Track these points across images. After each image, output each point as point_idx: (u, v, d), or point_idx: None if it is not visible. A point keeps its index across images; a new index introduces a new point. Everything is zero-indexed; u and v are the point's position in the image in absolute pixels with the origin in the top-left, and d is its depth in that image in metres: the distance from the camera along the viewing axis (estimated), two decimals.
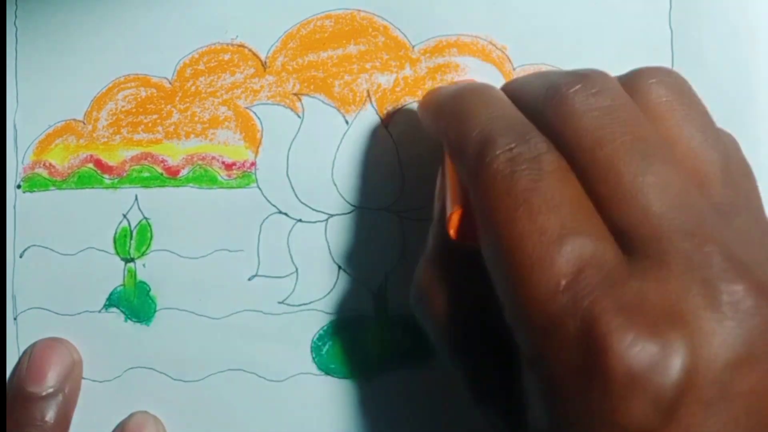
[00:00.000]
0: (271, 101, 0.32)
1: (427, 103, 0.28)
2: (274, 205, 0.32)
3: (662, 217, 0.21)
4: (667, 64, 0.31)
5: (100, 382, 0.32)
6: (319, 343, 0.32)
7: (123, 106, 0.32)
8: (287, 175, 0.32)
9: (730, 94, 0.31)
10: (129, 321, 0.32)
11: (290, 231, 0.32)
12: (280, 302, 0.32)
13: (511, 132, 0.23)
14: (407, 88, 0.31)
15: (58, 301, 0.32)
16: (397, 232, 0.32)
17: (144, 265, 0.32)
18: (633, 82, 0.25)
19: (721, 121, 0.27)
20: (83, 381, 0.32)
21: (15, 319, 0.32)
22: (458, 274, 0.26)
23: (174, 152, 0.32)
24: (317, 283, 0.32)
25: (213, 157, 0.32)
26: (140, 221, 0.32)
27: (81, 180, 0.32)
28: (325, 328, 0.32)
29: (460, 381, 0.26)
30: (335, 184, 0.32)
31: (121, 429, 0.32)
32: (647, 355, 0.19)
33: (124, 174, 0.32)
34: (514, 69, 0.31)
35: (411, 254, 0.32)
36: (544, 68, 0.31)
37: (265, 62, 0.31)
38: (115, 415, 0.32)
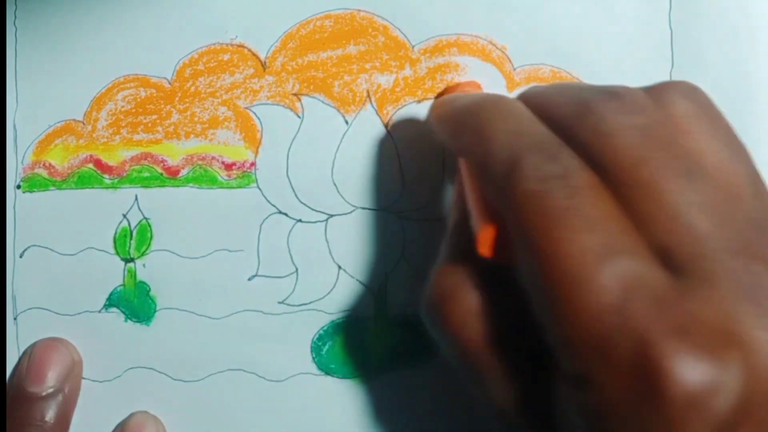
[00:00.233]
0: (271, 101, 0.32)
1: (441, 115, 0.28)
2: (274, 205, 0.32)
3: (707, 236, 0.21)
4: (667, 64, 0.31)
5: (100, 382, 0.32)
6: (319, 343, 0.32)
7: (123, 107, 0.32)
8: (287, 175, 0.32)
9: (730, 94, 0.31)
10: (129, 321, 0.32)
11: (290, 231, 0.32)
12: (280, 302, 0.32)
13: (539, 149, 0.23)
14: (407, 88, 0.31)
15: (58, 301, 0.32)
16: (397, 232, 0.32)
17: (144, 265, 0.32)
18: (656, 96, 0.24)
19: None
20: (83, 381, 0.32)
21: (15, 319, 0.32)
22: (480, 288, 0.25)
23: (174, 152, 0.32)
24: (317, 283, 0.32)
25: (213, 157, 0.32)
26: (140, 221, 0.32)
27: (81, 180, 0.32)
28: (325, 328, 0.32)
29: (476, 396, 0.26)
30: (335, 184, 0.32)
31: (121, 429, 0.32)
32: (704, 378, 0.19)
33: (124, 174, 0.32)
34: (514, 69, 0.31)
35: (411, 254, 0.32)
36: (544, 69, 0.31)
37: (265, 62, 0.31)
38: (115, 415, 0.32)
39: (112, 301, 0.32)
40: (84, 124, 0.32)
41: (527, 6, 0.31)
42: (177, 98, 0.32)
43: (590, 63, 0.31)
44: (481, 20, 0.31)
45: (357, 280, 0.32)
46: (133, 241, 0.32)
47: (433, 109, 0.29)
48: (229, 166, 0.32)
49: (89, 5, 0.31)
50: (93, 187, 0.32)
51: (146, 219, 0.32)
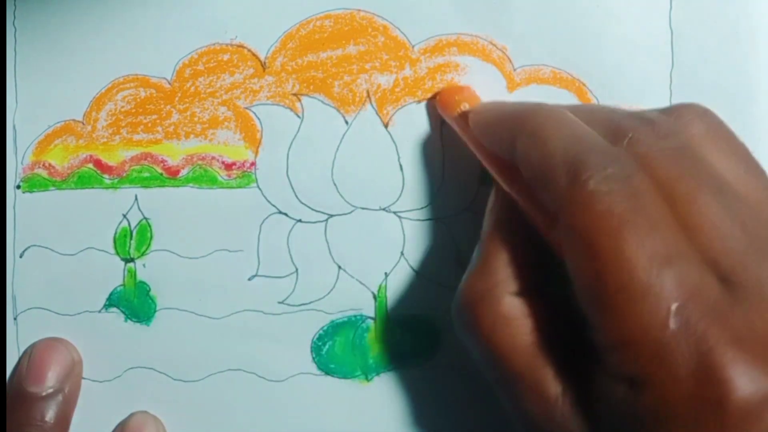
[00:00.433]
0: (271, 101, 0.32)
1: (485, 120, 0.28)
2: (274, 205, 0.32)
3: (748, 249, 0.22)
4: (667, 64, 0.31)
5: (100, 382, 0.32)
6: (319, 343, 0.32)
7: (122, 107, 0.32)
8: (287, 175, 0.32)
9: (730, 94, 0.31)
10: (129, 321, 0.32)
11: (290, 231, 0.32)
12: (280, 302, 0.32)
13: (599, 152, 0.23)
14: (407, 88, 0.31)
15: (58, 301, 0.32)
16: (397, 232, 0.32)
17: (144, 265, 0.32)
18: (674, 119, 0.26)
19: None
20: (83, 381, 0.32)
21: (15, 319, 0.32)
22: (512, 293, 0.26)
23: (174, 152, 0.32)
24: (317, 283, 0.32)
25: (213, 157, 0.32)
26: (140, 221, 0.32)
27: (81, 180, 0.32)
28: (325, 328, 0.32)
29: (503, 400, 0.26)
30: (335, 184, 0.32)
31: (121, 429, 0.32)
32: (762, 388, 0.20)
33: (124, 174, 0.32)
34: (514, 69, 0.31)
35: (411, 254, 0.32)
36: (545, 69, 0.31)
37: (265, 62, 0.31)
38: (115, 415, 0.32)
39: (112, 301, 0.32)
40: (84, 124, 0.32)
41: (527, 6, 0.31)
42: (177, 98, 0.32)
43: (591, 63, 0.31)
44: (482, 20, 0.31)
45: (357, 280, 0.32)
46: (133, 241, 0.32)
47: (474, 116, 0.29)
48: (229, 166, 0.32)
49: (89, 5, 0.31)
50: (93, 187, 0.32)
51: (146, 219, 0.32)
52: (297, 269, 0.32)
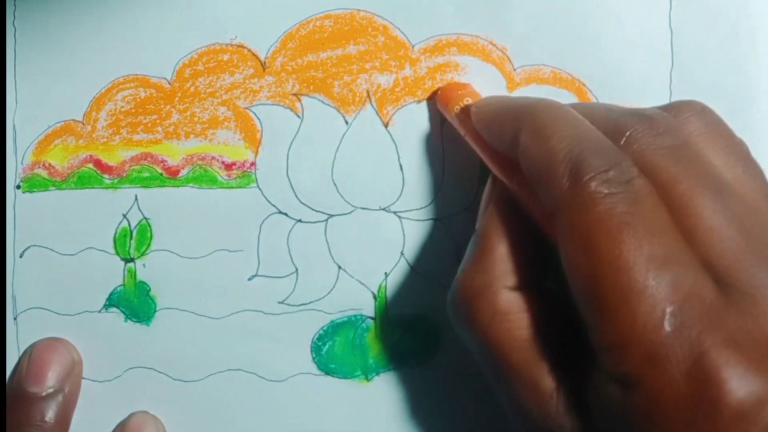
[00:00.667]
0: (271, 101, 0.32)
1: (488, 115, 0.28)
2: (274, 205, 0.32)
3: (742, 249, 0.22)
4: (666, 64, 0.31)
5: (100, 382, 0.32)
6: (319, 343, 0.32)
7: (122, 107, 0.32)
8: (287, 175, 0.32)
9: (730, 94, 0.31)
10: (129, 321, 0.32)
11: (290, 231, 0.32)
12: (280, 302, 0.32)
13: (602, 154, 0.23)
14: (407, 88, 0.31)
15: (58, 301, 0.32)
16: (397, 232, 0.32)
17: (144, 265, 0.32)
18: (673, 115, 0.26)
19: None
20: (83, 381, 0.32)
21: (15, 319, 0.32)
22: (509, 288, 0.26)
23: (174, 152, 0.32)
24: (317, 283, 0.32)
25: (213, 157, 0.32)
26: (140, 221, 0.32)
27: (81, 180, 0.32)
28: (325, 328, 0.32)
29: (499, 395, 0.26)
30: (335, 184, 0.32)
31: (121, 429, 0.32)
32: (756, 390, 0.20)
33: (124, 174, 0.32)
34: (514, 69, 0.31)
35: (411, 254, 0.32)
36: (545, 69, 0.31)
37: (265, 62, 0.31)
38: (115, 415, 0.32)
39: (112, 301, 0.32)
40: (84, 124, 0.32)
41: (527, 6, 0.31)
42: (177, 98, 0.32)
43: (591, 63, 0.31)
44: (482, 20, 0.31)
45: (357, 280, 0.32)
46: (133, 241, 0.32)
47: (477, 110, 0.29)
48: (229, 166, 0.32)
49: (89, 5, 0.31)
50: (93, 187, 0.32)
51: (146, 219, 0.32)
52: (297, 269, 0.32)
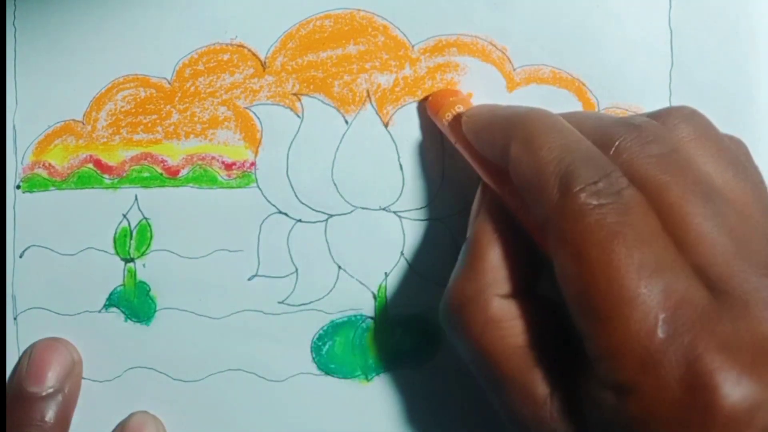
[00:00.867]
0: (271, 101, 0.32)
1: (478, 124, 0.28)
2: (274, 205, 0.32)
3: (733, 255, 0.22)
4: (666, 64, 0.31)
5: (100, 382, 0.32)
6: (319, 343, 0.32)
7: (122, 107, 0.32)
8: (287, 175, 0.32)
9: (730, 94, 0.31)
10: (129, 321, 0.32)
11: (290, 231, 0.32)
12: (280, 302, 0.32)
13: (592, 165, 0.24)
14: (407, 88, 0.31)
15: (58, 301, 0.32)
16: (397, 232, 0.32)
17: (144, 265, 0.32)
18: (661, 122, 0.26)
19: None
20: (83, 381, 0.32)
21: (15, 319, 0.32)
22: (501, 295, 0.26)
23: (174, 152, 0.32)
24: (317, 283, 0.32)
25: (213, 157, 0.32)
26: (140, 221, 0.32)
27: (81, 180, 0.32)
28: (325, 328, 0.32)
29: (493, 402, 0.26)
30: (335, 184, 0.32)
31: (121, 429, 0.32)
32: (749, 395, 0.20)
33: (124, 174, 0.32)
34: (514, 69, 0.31)
35: (411, 254, 0.32)
36: (544, 69, 0.31)
37: (265, 62, 0.31)
38: (115, 415, 0.32)
39: (112, 301, 0.32)
40: (84, 124, 0.32)
41: (527, 6, 0.31)
42: (177, 98, 0.32)
43: (590, 63, 0.31)
44: (481, 20, 0.31)
45: (357, 280, 0.32)
46: (133, 241, 0.32)
47: (468, 119, 0.29)
48: (229, 166, 0.32)
49: (89, 5, 0.31)
50: (93, 187, 0.32)
51: (146, 219, 0.32)
52: (297, 269, 0.32)
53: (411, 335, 0.32)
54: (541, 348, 0.25)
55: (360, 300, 0.32)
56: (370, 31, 0.31)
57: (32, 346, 0.32)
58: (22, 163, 0.32)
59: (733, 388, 0.21)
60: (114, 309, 0.32)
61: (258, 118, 0.32)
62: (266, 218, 0.32)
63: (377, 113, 0.31)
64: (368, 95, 0.31)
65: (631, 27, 0.31)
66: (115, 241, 0.32)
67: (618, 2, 0.31)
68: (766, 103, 0.31)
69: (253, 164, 0.32)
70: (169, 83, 0.32)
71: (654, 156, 0.24)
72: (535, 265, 0.27)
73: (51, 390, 0.31)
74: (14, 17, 0.31)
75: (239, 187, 0.32)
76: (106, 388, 0.32)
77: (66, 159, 0.32)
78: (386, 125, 0.31)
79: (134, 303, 0.32)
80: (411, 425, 0.32)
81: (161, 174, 0.32)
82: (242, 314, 0.32)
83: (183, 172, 0.32)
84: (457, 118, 0.29)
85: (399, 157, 0.32)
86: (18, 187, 0.32)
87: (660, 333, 0.21)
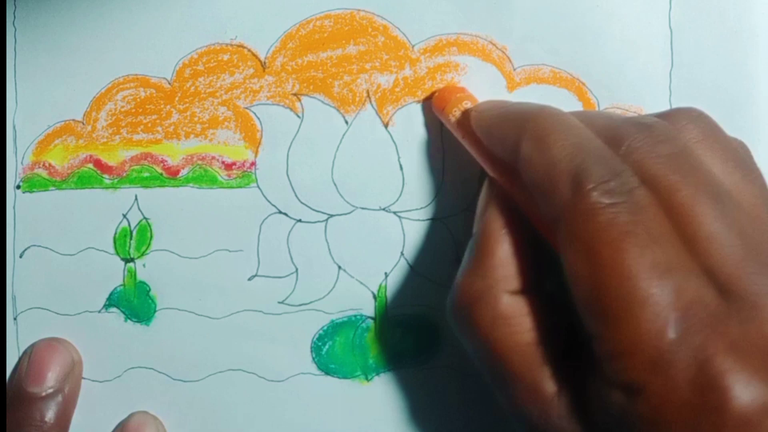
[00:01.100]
0: (271, 101, 0.32)
1: (487, 121, 0.28)
2: (274, 205, 0.32)
3: (743, 257, 0.22)
4: (666, 64, 0.31)
5: (100, 382, 0.32)
6: (319, 343, 0.32)
7: (122, 107, 0.32)
8: (287, 175, 0.32)
9: (730, 94, 0.31)
10: (129, 321, 0.32)
11: (290, 231, 0.32)
12: (280, 302, 0.32)
13: (604, 164, 0.24)
14: (407, 88, 0.31)
15: (58, 301, 0.32)
16: (397, 232, 0.32)
17: (144, 265, 0.32)
18: (670, 123, 0.26)
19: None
20: (83, 381, 0.32)
21: (15, 319, 0.32)
22: (509, 292, 0.26)
23: (174, 152, 0.32)
24: (317, 283, 0.32)
25: (213, 157, 0.32)
26: (140, 221, 0.32)
27: (81, 180, 0.32)
28: (325, 328, 0.32)
29: (500, 399, 0.26)
30: (335, 184, 0.32)
31: (121, 429, 0.32)
32: (760, 396, 0.20)
33: (124, 174, 0.32)
34: (514, 69, 0.31)
35: (411, 254, 0.32)
36: (544, 69, 0.31)
37: (265, 62, 0.31)
38: (115, 415, 0.32)
39: (112, 301, 0.32)
40: (84, 124, 0.32)
41: (527, 6, 0.31)
42: (177, 98, 0.32)
43: (590, 63, 0.31)
44: (481, 20, 0.31)
45: (357, 280, 0.32)
46: (133, 241, 0.32)
47: (477, 116, 0.29)
48: (229, 166, 0.32)
49: (89, 5, 0.31)
50: (93, 187, 0.32)
51: (146, 219, 0.32)
52: (297, 269, 0.32)
53: (411, 335, 0.32)
54: (550, 345, 0.25)
55: (360, 300, 0.32)
56: (370, 31, 0.31)
57: (32, 346, 0.32)
58: (22, 163, 0.32)
59: (744, 390, 0.20)
60: (114, 309, 0.32)
61: (258, 118, 0.32)
62: (266, 218, 0.32)
63: (377, 113, 0.31)
64: (368, 95, 0.31)
65: (631, 27, 0.31)
66: (115, 241, 0.32)
67: (618, 2, 0.31)
68: (766, 103, 0.31)
69: (253, 164, 0.32)
70: (169, 83, 0.32)
71: (664, 156, 0.24)
72: (544, 262, 0.26)
73: (51, 390, 0.31)
74: (14, 17, 0.31)
75: (239, 187, 0.32)
76: (106, 388, 0.32)
77: (66, 159, 0.32)
78: (386, 125, 0.31)
79: (134, 303, 0.32)
80: (411, 425, 0.32)
81: (161, 174, 0.32)
82: (242, 314, 0.32)
83: (183, 172, 0.32)
84: (465, 114, 0.29)
85: (399, 157, 0.32)
86: (18, 187, 0.32)
87: (671, 333, 0.21)
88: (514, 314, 0.25)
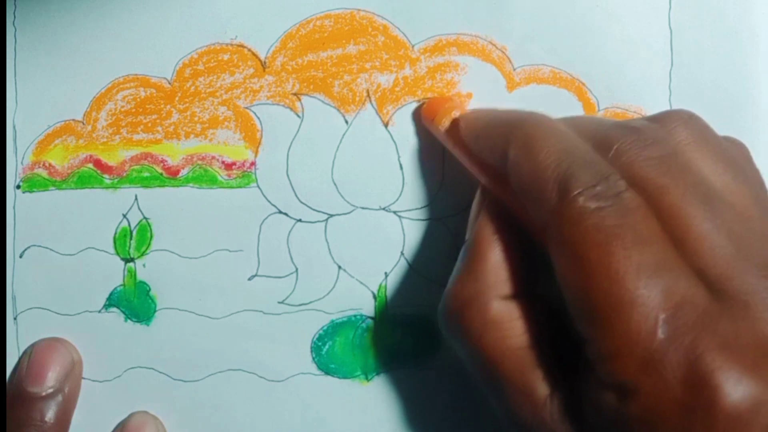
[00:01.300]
0: (271, 101, 0.32)
1: (476, 128, 0.28)
2: (274, 205, 0.32)
3: (733, 256, 0.23)
4: (666, 64, 0.31)
5: (100, 382, 0.32)
6: (319, 343, 0.32)
7: (122, 107, 0.32)
8: (287, 175, 0.32)
9: (730, 94, 0.31)
10: (129, 321, 0.32)
11: (290, 231, 0.32)
12: (280, 302, 0.32)
13: (590, 168, 0.24)
14: (407, 88, 0.31)
15: (58, 301, 0.32)
16: (397, 231, 0.32)
17: (144, 265, 0.32)
18: (660, 125, 0.26)
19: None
20: (83, 381, 0.32)
21: (15, 319, 0.32)
22: (500, 297, 0.26)
23: (174, 152, 0.32)
24: (317, 283, 0.32)
25: (213, 157, 0.32)
26: (140, 221, 0.32)
27: (81, 180, 0.32)
28: (325, 328, 0.32)
29: (493, 404, 0.26)
30: (335, 184, 0.32)
31: (121, 429, 0.32)
32: (751, 394, 0.21)
33: (124, 174, 0.32)
34: (514, 69, 0.31)
35: (411, 254, 0.32)
36: (544, 69, 0.31)
37: (265, 62, 0.31)
38: (115, 415, 0.32)
39: (112, 301, 0.32)
40: (84, 124, 0.32)
41: (527, 6, 0.31)
42: (177, 98, 0.32)
43: (590, 63, 0.31)
44: (481, 20, 0.31)
45: (357, 280, 0.32)
46: (133, 241, 0.32)
47: (465, 123, 0.29)
48: (229, 166, 0.32)
49: (89, 5, 0.31)
50: (93, 187, 0.32)
51: (146, 219, 0.32)
52: (297, 269, 0.32)
53: (411, 335, 0.32)
54: (541, 349, 0.25)
55: (360, 300, 0.32)
56: (370, 31, 0.31)
57: (32, 346, 0.32)
58: (22, 163, 0.32)
59: (735, 388, 0.21)
60: (114, 309, 0.32)
61: (258, 117, 0.32)
62: (266, 218, 0.32)
63: (377, 113, 0.31)
64: (368, 95, 0.31)
65: (631, 27, 0.31)
66: (115, 241, 0.32)
67: (618, 2, 0.31)
68: (766, 103, 0.31)
69: (253, 164, 0.32)
70: (169, 83, 0.32)
71: (653, 158, 0.24)
72: (535, 266, 0.27)
73: (51, 390, 0.31)
74: (14, 17, 0.31)
75: (239, 187, 0.32)
76: (106, 388, 0.32)
77: (66, 159, 0.32)
78: (386, 125, 0.32)
79: (134, 303, 0.32)
80: (411, 425, 0.32)
81: (161, 174, 0.32)
82: (242, 314, 0.32)
83: (183, 172, 0.32)
84: (454, 123, 0.29)
85: (399, 157, 0.32)
86: (18, 187, 0.32)
87: (660, 333, 0.21)
88: (505, 319, 0.26)
